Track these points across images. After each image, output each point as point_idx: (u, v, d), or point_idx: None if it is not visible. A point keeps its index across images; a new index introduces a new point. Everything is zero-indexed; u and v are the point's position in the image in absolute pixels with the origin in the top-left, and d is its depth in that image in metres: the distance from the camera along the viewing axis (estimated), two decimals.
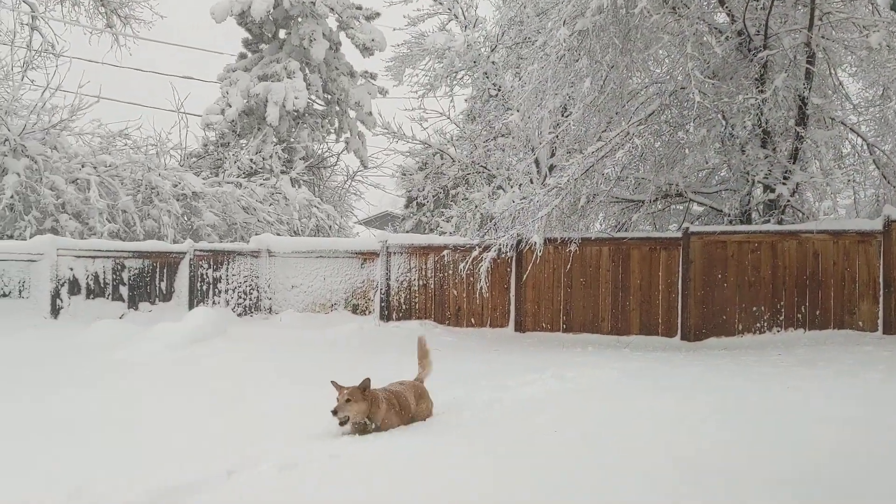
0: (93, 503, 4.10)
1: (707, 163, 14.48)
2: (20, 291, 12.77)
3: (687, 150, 12.98)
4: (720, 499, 4.11)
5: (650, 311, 13.67)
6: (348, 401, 5.63)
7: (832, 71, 12.92)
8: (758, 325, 12.99)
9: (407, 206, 28.34)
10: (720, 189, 14.56)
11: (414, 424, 6.08)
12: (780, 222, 13.28)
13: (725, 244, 13.14)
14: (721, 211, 14.12)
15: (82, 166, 17.65)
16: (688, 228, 13.34)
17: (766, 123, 12.80)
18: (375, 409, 5.81)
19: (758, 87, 12.41)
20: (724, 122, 13.08)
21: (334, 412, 5.59)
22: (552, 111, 12.76)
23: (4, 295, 12.53)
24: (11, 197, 15.77)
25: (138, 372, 8.79)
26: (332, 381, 5.84)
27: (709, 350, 11.98)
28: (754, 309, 13.01)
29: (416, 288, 15.22)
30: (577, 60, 11.09)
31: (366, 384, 5.76)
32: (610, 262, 13.85)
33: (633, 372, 8.97)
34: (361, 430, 5.78)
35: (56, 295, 13.11)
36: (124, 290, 14.33)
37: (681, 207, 15.63)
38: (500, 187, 18.71)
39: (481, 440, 5.45)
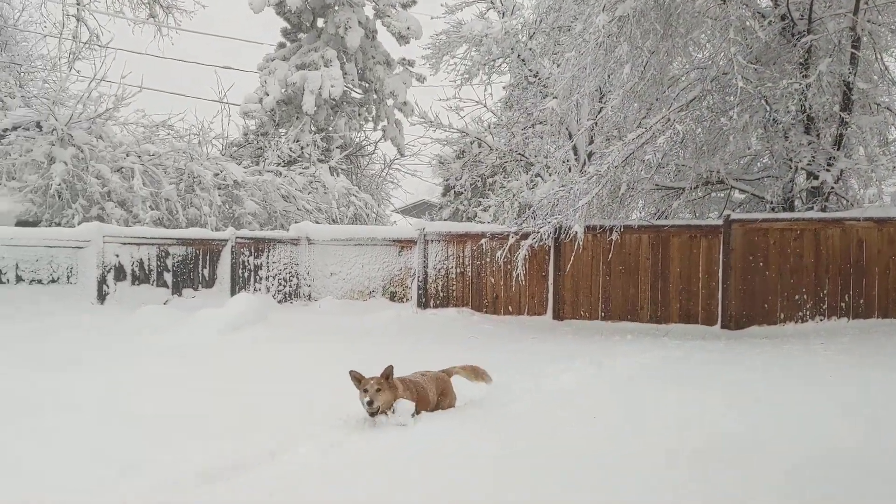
0: (144, 480, 4.23)
1: (749, 149, 14.28)
2: (68, 277, 13.09)
3: (730, 137, 12.81)
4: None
5: (690, 300, 13.55)
6: (379, 390, 5.62)
7: (878, 56, 12.64)
8: (800, 313, 12.81)
9: (444, 195, 28.40)
10: (762, 176, 14.36)
11: (437, 414, 6.02)
12: (823, 209, 13.06)
13: (767, 232, 12.96)
14: (763, 198, 13.92)
15: (127, 155, 17.98)
16: (729, 216, 13.19)
17: (810, 109, 12.58)
18: (395, 392, 5.79)
19: (801, 72, 12.19)
20: (766, 108, 12.87)
21: (370, 402, 5.54)
22: (591, 98, 12.69)
23: (53, 281, 12.86)
24: (59, 185, 16.13)
25: (185, 355, 8.98)
26: (351, 372, 5.75)
27: (750, 338, 11.85)
28: (797, 297, 12.83)
29: (454, 276, 15.28)
30: (617, 47, 10.99)
31: (388, 372, 5.74)
32: (649, 250, 13.76)
33: (672, 360, 8.94)
34: (372, 416, 5.70)
35: (102, 281, 13.42)
36: (168, 277, 14.61)
37: (721, 195, 15.46)
38: (538, 175, 18.65)
39: (498, 434, 5.39)
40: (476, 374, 6.77)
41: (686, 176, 13.58)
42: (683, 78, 12.92)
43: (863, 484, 4.20)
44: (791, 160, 13.03)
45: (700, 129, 13.35)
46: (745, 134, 13.20)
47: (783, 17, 12.18)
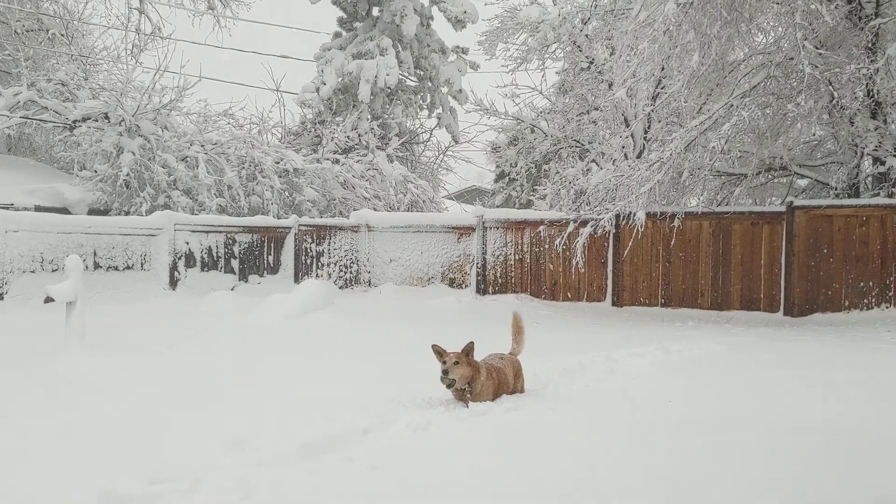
0: (252, 453, 4.51)
1: (813, 135, 14.13)
2: (142, 264, 13.59)
3: (794, 123, 12.72)
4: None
5: (751, 286, 13.51)
6: (456, 363, 5.80)
7: None
8: (865, 300, 12.69)
9: (497, 181, 28.53)
10: (826, 162, 14.20)
11: (515, 397, 6.22)
12: (890, 195, 12.89)
13: (831, 218, 12.84)
14: (827, 184, 13.78)
15: (191, 144, 18.49)
16: (792, 202, 13.10)
17: (878, 94, 12.41)
18: (476, 376, 5.96)
19: (869, 57, 12.02)
20: (832, 93, 12.73)
21: (445, 372, 5.76)
22: (650, 85, 12.69)
23: (129, 267, 13.37)
24: (128, 174, 16.67)
25: (263, 338, 9.34)
26: (433, 346, 5.98)
27: (814, 325, 11.81)
28: (861, 284, 12.70)
29: (512, 262, 15.45)
30: (682, 34, 10.99)
31: (469, 348, 5.92)
32: (710, 237, 13.73)
33: (738, 347, 8.99)
34: (459, 396, 5.95)
35: (174, 267, 13.90)
36: (235, 264, 15.06)
37: (784, 181, 15.32)
38: (593, 161, 18.65)
39: (580, 413, 5.59)
40: (517, 328, 6.92)
41: (748, 162, 13.50)
42: (745, 64, 12.83)
43: None
44: (857, 146, 12.88)
45: (763, 115, 13.26)
46: (809, 119, 13.08)
47: (850, 1, 12.01)
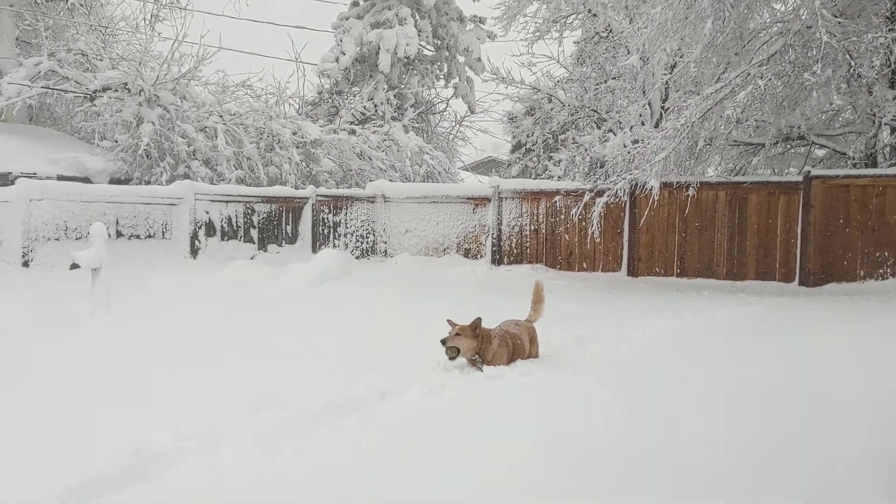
0: (275, 413, 4.70)
1: (831, 104, 14.03)
2: (163, 233, 13.81)
3: (812, 92, 12.63)
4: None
5: (767, 256, 13.54)
6: (458, 335, 6.05)
7: None
8: (881, 270, 12.69)
9: (513, 152, 28.47)
10: (844, 131, 14.12)
11: (529, 362, 6.39)
12: None
13: (848, 188, 12.81)
14: (844, 154, 13.72)
15: (209, 115, 18.63)
16: (809, 172, 13.07)
17: None
18: (486, 346, 6.17)
19: (888, 26, 11.90)
20: (850, 62, 12.62)
21: (443, 342, 6.04)
22: (669, 53, 12.62)
23: (150, 236, 13.60)
24: (148, 144, 16.87)
25: (284, 305, 9.53)
26: (448, 320, 6.27)
27: (829, 295, 11.85)
28: (877, 254, 12.70)
29: (528, 232, 15.53)
30: (697, 1, 10.92)
31: (476, 323, 6.14)
32: (727, 207, 13.74)
33: (753, 315, 9.07)
34: (472, 364, 6.16)
35: (194, 236, 14.11)
36: (254, 233, 15.26)
37: (801, 151, 15.25)
38: (610, 130, 18.62)
39: (590, 378, 5.75)
40: (537, 296, 7.13)
41: (765, 132, 13.46)
42: (764, 32, 12.73)
43: None
44: (875, 115, 12.80)
45: (781, 84, 13.17)
46: (827, 89, 12.96)
47: None
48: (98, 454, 3.89)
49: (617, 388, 5.41)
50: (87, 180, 16.69)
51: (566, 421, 4.60)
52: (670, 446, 4.10)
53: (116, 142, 17.49)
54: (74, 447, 4.07)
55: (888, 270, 12.64)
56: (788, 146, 14.52)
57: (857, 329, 7.93)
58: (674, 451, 4.01)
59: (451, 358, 6.05)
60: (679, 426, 4.47)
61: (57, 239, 12.30)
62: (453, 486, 3.61)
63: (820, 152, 15.15)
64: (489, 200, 15.85)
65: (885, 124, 12.87)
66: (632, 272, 14.50)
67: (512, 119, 26.46)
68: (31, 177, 14.54)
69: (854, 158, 13.44)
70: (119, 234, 13.14)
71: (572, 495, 3.49)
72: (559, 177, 20.79)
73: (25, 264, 11.83)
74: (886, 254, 12.65)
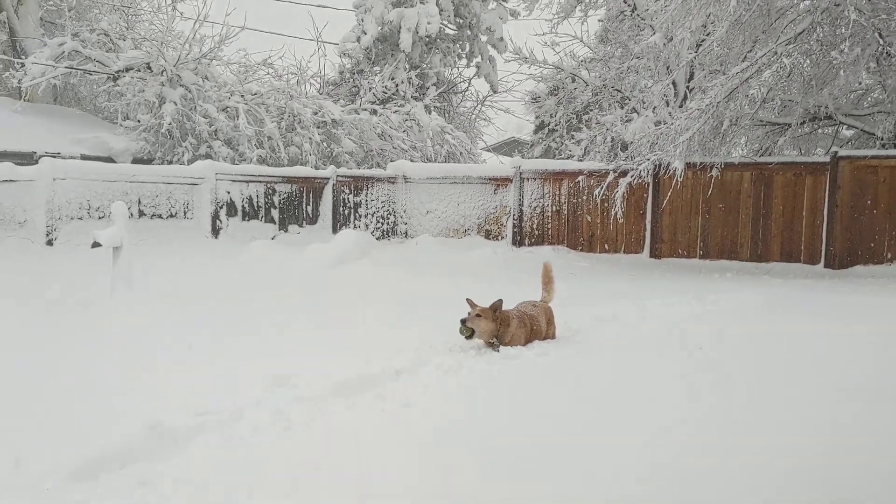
0: (291, 390, 4.72)
1: (860, 83, 13.75)
2: (185, 213, 13.88)
3: (840, 71, 12.37)
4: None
5: (792, 238, 13.34)
6: (478, 316, 6.03)
7: None
8: None
9: (536, 132, 28.28)
10: (873, 111, 13.83)
11: (546, 343, 6.36)
12: None
13: (877, 169, 12.57)
14: (873, 134, 13.45)
15: (231, 95, 18.64)
16: (836, 153, 12.84)
17: None
18: (504, 328, 6.14)
19: None
20: (879, 41, 12.33)
21: (463, 321, 6.00)
22: (693, 31, 12.40)
23: (172, 215, 13.66)
24: (170, 124, 16.93)
25: (304, 285, 9.57)
26: (467, 299, 6.22)
27: (855, 277, 11.68)
28: None
29: (549, 214, 15.42)
30: None
31: (497, 305, 6.10)
32: (751, 188, 13.54)
33: (776, 297, 8.95)
34: (489, 346, 6.14)
35: (216, 216, 14.17)
36: (275, 213, 15.29)
37: (829, 131, 14.98)
38: (633, 110, 18.39)
39: (602, 359, 5.70)
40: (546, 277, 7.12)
41: (792, 111, 13.22)
42: (791, 10, 12.46)
43: None
44: None
45: (808, 63, 12.92)
46: (855, 68, 12.69)
47: None
48: (118, 429, 3.92)
49: (634, 368, 5.36)
50: (110, 160, 16.79)
51: (577, 405, 4.56)
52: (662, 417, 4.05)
53: (139, 122, 17.57)
54: (93, 421, 4.10)
55: None
56: (816, 126, 14.26)
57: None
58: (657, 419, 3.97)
59: (467, 338, 6.02)
60: (681, 403, 4.43)
61: (80, 218, 12.39)
62: (463, 465, 3.58)
63: (848, 133, 14.87)
64: (510, 181, 15.74)
65: None
66: (654, 254, 14.36)
67: (535, 99, 26.24)
68: (54, 156, 14.65)
69: (883, 139, 13.18)
70: (141, 214, 13.21)
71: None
72: (579, 157, 20.59)
73: (49, 243, 11.94)
74: None
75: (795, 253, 13.31)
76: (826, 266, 12.90)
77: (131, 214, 12.85)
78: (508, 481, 3.35)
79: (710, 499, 3.18)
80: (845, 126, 14.21)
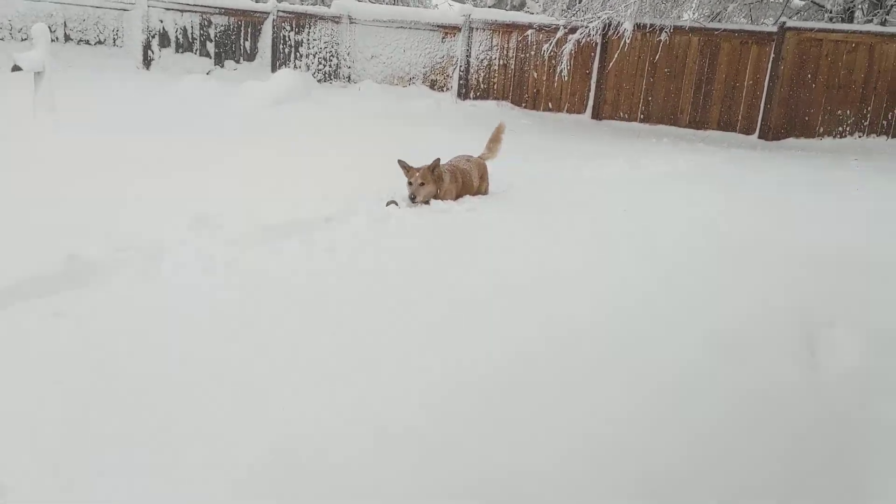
0: (216, 231, 4.69)
1: None
2: (114, 40, 13.19)
3: None
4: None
5: (731, 108, 13.48)
6: (422, 184, 5.96)
7: None
8: (840, 128, 12.78)
9: None
10: None
11: (477, 199, 6.43)
12: (883, 23, 12.61)
13: (821, 42, 12.61)
14: (822, 7, 13.40)
15: None
16: (784, 23, 12.79)
17: None
18: (440, 183, 6.14)
19: None
20: None
21: (412, 198, 5.92)
22: None
23: (100, 42, 12.98)
24: None
25: (238, 124, 9.34)
26: (400, 161, 6.07)
27: (786, 150, 11.98)
28: (839, 112, 12.74)
29: (496, 67, 15.16)
30: None
31: (434, 165, 6.03)
32: (698, 54, 13.49)
33: (703, 166, 9.16)
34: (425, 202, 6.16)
35: (147, 46, 13.50)
36: (211, 47, 14.64)
37: (780, 0, 14.83)
38: None
39: (529, 212, 5.84)
40: (496, 136, 7.13)
41: None
42: None
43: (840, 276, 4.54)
44: None
45: None
46: None
47: None
48: (35, 260, 3.87)
49: (551, 225, 5.51)
50: None
51: (496, 258, 4.69)
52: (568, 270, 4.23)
53: None
54: (8, 252, 4.04)
55: (847, 129, 12.73)
56: None
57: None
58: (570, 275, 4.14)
59: (414, 201, 5.95)
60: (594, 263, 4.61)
61: (2, 39, 11.68)
62: (385, 311, 3.69)
63: (798, 3, 14.76)
64: (459, 30, 15.30)
65: None
66: (596, 115, 14.38)
67: None
68: None
69: (832, 11, 13.15)
70: (68, 38, 12.53)
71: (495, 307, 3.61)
72: (538, 13, 20.03)
73: None
74: (848, 112, 12.69)
75: (733, 122, 13.50)
76: (760, 137, 13.17)
77: (57, 38, 12.17)
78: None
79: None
80: None
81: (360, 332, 3.30)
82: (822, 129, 12.84)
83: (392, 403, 2.66)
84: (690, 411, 2.77)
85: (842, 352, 3.36)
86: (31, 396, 2.57)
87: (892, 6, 12.57)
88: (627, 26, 11.49)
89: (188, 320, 3.34)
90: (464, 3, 23.26)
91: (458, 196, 6.29)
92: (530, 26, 14.54)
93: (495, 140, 7.10)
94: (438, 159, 6.06)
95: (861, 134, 12.62)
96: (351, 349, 3.12)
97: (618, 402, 2.79)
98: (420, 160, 6.10)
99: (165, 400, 2.60)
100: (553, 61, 14.05)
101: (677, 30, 13.10)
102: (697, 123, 13.69)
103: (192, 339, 3.14)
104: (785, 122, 13.00)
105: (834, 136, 12.76)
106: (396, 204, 5.82)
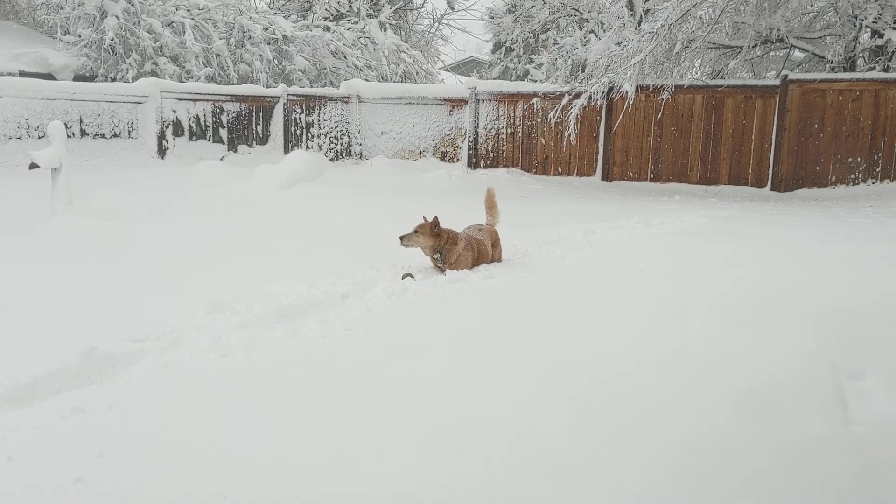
0: (232, 316, 4.69)
1: (812, 6, 13.74)
2: (129, 132, 13.50)
3: None
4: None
5: (741, 161, 13.52)
6: (416, 232, 6.17)
7: None
8: (852, 176, 12.75)
9: (494, 52, 27.87)
10: (824, 34, 13.89)
11: (492, 266, 6.42)
12: (885, 69, 12.70)
13: (825, 92, 12.70)
14: (823, 58, 13.54)
15: (177, 9, 17.97)
16: (787, 76, 12.91)
17: None
18: (451, 248, 6.19)
19: None
20: None
21: (401, 238, 6.14)
22: None
23: (116, 135, 13.27)
24: (112, 39, 16.30)
25: (251, 207, 9.44)
26: (424, 217, 6.31)
27: (799, 200, 11.93)
28: (850, 160, 12.73)
29: (504, 136, 15.36)
30: None
31: (435, 222, 6.18)
32: (702, 111, 13.62)
33: (718, 220, 9.11)
34: (435, 265, 6.26)
35: (162, 136, 13.81)
36: (223, 133, 14.95)
37: (780, 54, 15.04)
38: (591, 31, 18.20)
39: (545, 278, 5.81)
40: (490, 202, 7.19)
41: (744, 34, 13.21)
42: None
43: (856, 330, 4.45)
44: (856, 17, 12.58)
45: None
46: None
47: None
48: (53, 354, 3.88)
49: (571, 289, 5.46)
50: (50, 77, 16.18)
51: (518, 327, 4.64)
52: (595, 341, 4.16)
53: (80, 37, 16.89)
54: (28, 347, 4.05)
55: (859, 175, 12.70)
56: (768, 49, 14.29)
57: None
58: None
59: (405, 246, 6.13)
60: (614, 329, 4.54)
61: (19, 138, 11.99)
62: (406, 383, 3.64)
63: (799, 55, 14.94)
64: (466, 102, 15.58)
65: (866, 27, 12.67)
66: (606, 176, 14.46)
67: (493, 16, 25.80)
68: None
69: (833, 62, 13.29)
70: (84, 133, 12.82)
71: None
72: (541, 80, 20.43)
73: None
74: (859, 159, 12.67)
75: (743, 176, 13.52)
76: (772, 189, 13.15)
77: (73, 134, 12.49)
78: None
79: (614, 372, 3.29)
80: (797, 49, 14.26)
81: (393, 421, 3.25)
82: (833, 178, 12.82)
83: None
84: (726, 469, 2.69)
85: (873, 403, 3.27)
86: (52, 499, 2.53)
87: (893, 53, 12.67)
88: (629, 88, 11.66)
89: (206, 413, 3.30)
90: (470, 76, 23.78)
91: (474, 264, 6.31)
92: (535, 94, 14.78)
93: (491, 205, 7.19)
94: (436, 217, 6.18)
95: (874, 180, 12.58)
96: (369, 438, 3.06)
97: (653, 462, 2.71)
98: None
99: (189, 499, 2.55)
100: (560, 126, 14.23)
101: (679, 89, 13.26)
102: (708, 179, 13.72)
103: (210, 432, 3.09)
104: (796, 173, 13.01)
105: (847, 184, 12.73)
106: (412, 276, 5.83)
